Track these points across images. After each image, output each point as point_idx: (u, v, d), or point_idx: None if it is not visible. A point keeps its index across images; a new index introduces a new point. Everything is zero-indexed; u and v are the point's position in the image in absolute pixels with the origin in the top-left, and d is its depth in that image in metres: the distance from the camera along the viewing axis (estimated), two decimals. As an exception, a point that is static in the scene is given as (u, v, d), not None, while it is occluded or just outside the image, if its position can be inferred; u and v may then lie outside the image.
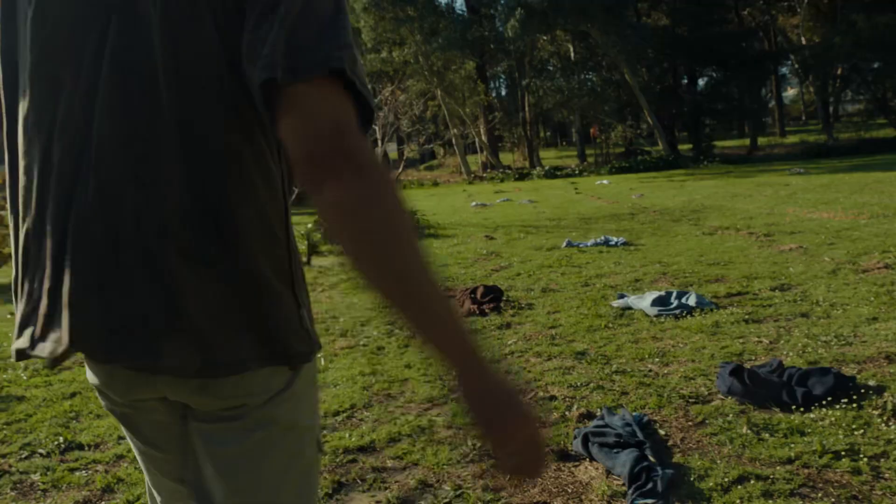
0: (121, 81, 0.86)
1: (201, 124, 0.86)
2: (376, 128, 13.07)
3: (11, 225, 0.97)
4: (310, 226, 10.17)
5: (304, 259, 8.31)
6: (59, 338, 0.87)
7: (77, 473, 2.85)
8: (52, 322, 0.89)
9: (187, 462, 1.04)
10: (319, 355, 4.56)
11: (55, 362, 0.90)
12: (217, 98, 0.86)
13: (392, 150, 28.43)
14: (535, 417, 0.85)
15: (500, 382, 0.84)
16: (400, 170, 16.87)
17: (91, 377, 1.02)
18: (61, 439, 3.21)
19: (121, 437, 3.21)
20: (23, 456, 3.07)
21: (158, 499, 1.14)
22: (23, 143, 0.93)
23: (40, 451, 3.11)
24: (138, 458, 1.11)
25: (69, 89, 0.88)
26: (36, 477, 2.84)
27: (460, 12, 32.78)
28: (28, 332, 0.92)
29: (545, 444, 0.89)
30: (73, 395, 3.92)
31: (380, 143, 13.12)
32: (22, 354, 0.92)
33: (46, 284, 0.90)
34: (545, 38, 31.21)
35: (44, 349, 0.89)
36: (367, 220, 0.79)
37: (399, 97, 14.16)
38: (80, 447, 3.14)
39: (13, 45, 0.96)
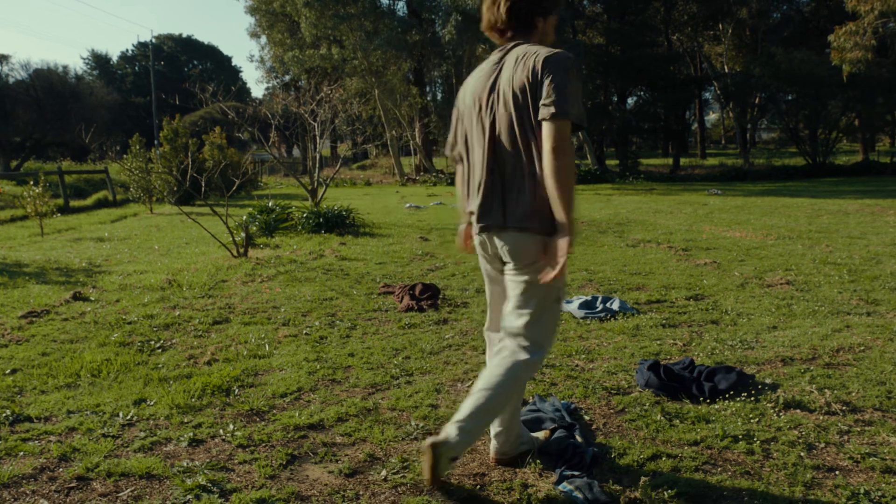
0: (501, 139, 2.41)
1: (526, 145, 2.34)
2: (315, 125, 13.06)
3: (464, 183, 2.64)
4: (245, 217, 10.14)
5: (241, 250, 8.31)
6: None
7: (30, 443, 2.92)
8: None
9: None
10: (264, 340, 4.63)
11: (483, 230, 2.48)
12: (533, 135, 2.32)
13: (325, 147, 28.27)
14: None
15: (574, 232, 2.26)
16: (337, 168, 16.82)
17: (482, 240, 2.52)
18: (8, 412, 3.24)
19: (70, 411, 3.29)
20: (-29, 426, 3.09)
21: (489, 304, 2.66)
22: (467, 155, 2.60)
23: (-12, 422, 3.14)
24: (490, 282, 2.63)
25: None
26: (-12, 445, 2.89)
27: (402, 14, 32.71)
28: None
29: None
30: (13, 371, 3.93)
31: (318, 140, 13.12)
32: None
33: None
34: (484, 46, 31.71)
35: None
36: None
37: (336, 94, 14.13)
38: (30, 419, 3.19)
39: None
